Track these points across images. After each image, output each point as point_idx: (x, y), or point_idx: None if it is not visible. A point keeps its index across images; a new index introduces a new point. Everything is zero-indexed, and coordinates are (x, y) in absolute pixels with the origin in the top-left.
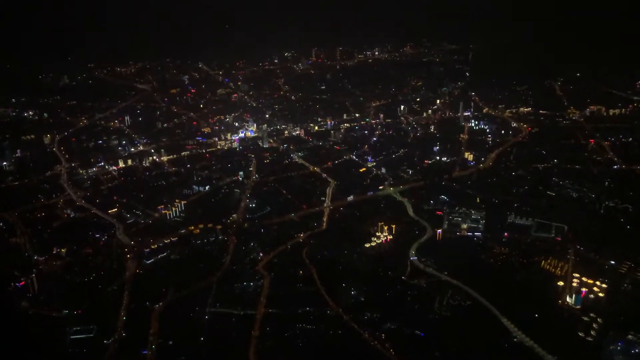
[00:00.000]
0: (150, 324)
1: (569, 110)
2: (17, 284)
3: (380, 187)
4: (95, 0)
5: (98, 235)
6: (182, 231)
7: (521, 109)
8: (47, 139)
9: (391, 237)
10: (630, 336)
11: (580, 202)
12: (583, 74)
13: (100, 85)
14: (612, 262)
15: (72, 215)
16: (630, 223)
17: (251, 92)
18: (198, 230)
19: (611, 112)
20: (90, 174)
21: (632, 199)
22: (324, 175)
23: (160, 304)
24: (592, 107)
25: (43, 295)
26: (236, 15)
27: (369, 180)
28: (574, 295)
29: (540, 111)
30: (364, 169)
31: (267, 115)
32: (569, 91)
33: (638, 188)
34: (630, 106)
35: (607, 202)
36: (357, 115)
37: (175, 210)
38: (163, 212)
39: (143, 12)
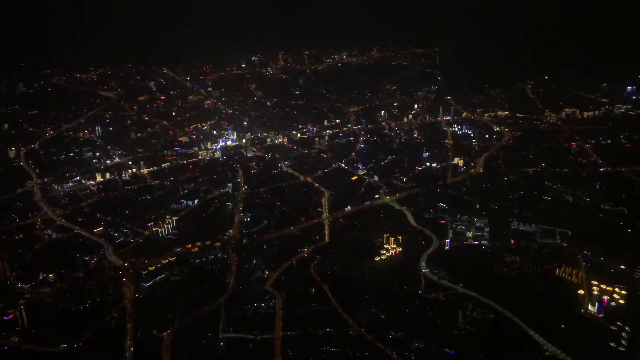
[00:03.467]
0: (161, 354)
1: (546, 113)
2: (4, 317)
3: (376, 196)
4: (45, 4)
5: (87, 258)
6: (178, 250)
7: (499, 113)
8: (11, 152)
9: (400, 249)
10: None
11: (577, 206)
12: (550, 76)
13: (61, 93)
14: (622, 267)
15: (53, 236)
16: (629, 226)
17: (223, 99)
18: (196, 249)
19: (585, 114)
20: (67, 189)
21: (625, 202)
22: (316, 184)
23: (169, 331)
24: (566, 109)
25: (35, 328)
26: (196, 18)
27: (363, 189)
28: (596, 303)
29: (518, 114)
30: (355, 177)
31: (244, 123)
32: (540, 94)
33: (628, 190)
34: (603, 108)
35: (602, 206)
36: (337, 121)
37: (167, 227)
38: (154, 229)
39: (99, 16)
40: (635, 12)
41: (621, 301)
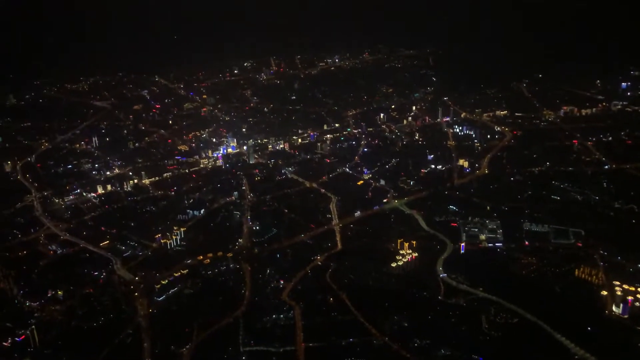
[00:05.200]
0: None
1: (544, 112)
2: (15, 339)
3: (385, 200)
4: (28, 15)
5: (96, 273)
6: (189, 262)
7: (497, 112)
8: (7, 166)
9: (415, 254)
10: None
11: (587, 205)
12: (545, 75)
13: (53, 104)
14: None
15: (59, 252)
16: None
17: (219, 105)
18: (208, 260)
19: (583, 112)
20: (68, 202)
21: (634, 199)
22: (323, 190)
23: (188, 346)
24: (564, 107)
25: (48, 349)
26: (183, 25)
27: (370, 194)
28: (620, 304)
29: (516, 114)
30: (361, 181)
31: (244, 130)
32: (536, 93)
33: (635, 187)
34: (600, 105)
35: (613, 204)
36: (336, 125)
37: (175, 239)
38: (162, 241)
39: (84, 26)
40: (625, 9)
41: None
